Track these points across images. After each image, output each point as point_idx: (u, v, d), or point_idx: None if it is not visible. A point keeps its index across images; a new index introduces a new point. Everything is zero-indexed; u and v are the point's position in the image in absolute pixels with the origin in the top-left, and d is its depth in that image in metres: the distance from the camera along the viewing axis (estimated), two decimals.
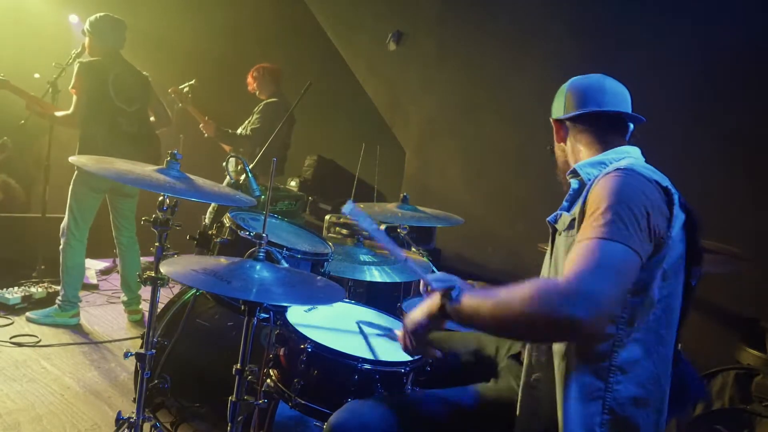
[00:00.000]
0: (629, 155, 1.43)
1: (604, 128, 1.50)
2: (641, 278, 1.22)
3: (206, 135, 4.19)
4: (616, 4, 3.33)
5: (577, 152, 1.54)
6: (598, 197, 1.24)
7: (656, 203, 1.22)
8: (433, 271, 2.39)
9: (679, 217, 1.27)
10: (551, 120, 1.62)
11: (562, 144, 1.60)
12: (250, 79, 4.44)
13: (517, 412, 1.39)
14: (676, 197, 1.27)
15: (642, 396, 1.27)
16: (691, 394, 1.38)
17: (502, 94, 4.03)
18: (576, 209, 1.35)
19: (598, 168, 1.41)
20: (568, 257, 1.18)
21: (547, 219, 1.47)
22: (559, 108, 1.58)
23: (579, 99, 1.53)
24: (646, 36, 3.11)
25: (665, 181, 1.28)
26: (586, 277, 1.09)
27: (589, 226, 1.19)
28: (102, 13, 3.50)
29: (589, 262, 1.11)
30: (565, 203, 1.47)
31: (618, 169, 1.28)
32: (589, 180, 1.39)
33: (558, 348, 1.32)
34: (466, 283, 1.41)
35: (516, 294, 1.13)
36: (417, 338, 1.37)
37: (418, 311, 1.37)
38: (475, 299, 1.23)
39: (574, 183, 1.47)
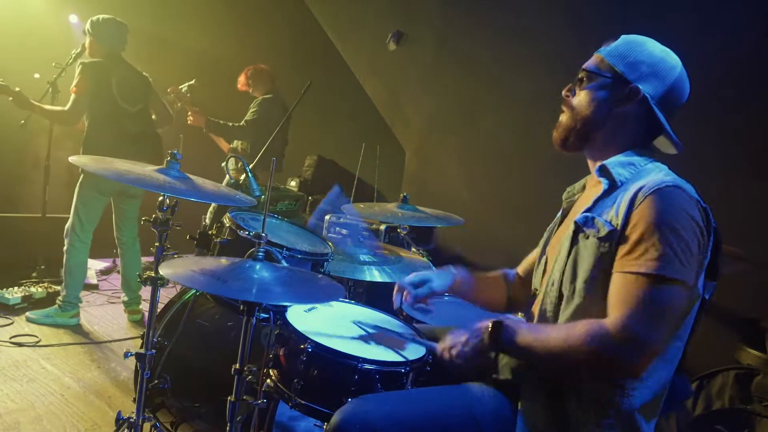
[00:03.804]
0: (655, 161, 1.37)
1: (655, 132, 1.40)
2: None
3: (190, 122, 4.12)
4: (618, 2, 3.32)
5: (615, 129, 1.37)
6: (646, 220, 1.19)
7: (701, 225, 1.20)
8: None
9: (711, 236, 1.25)
10: (614, 67, 1.37)
11: (602, 97, 1.37)
12: (242, 78, 4.45)
13: (520, 406, 1.39)
14: (711, 217, 1.25)
15: (651, 402, 1.28)
16: (679, 395, 1.38)
17: (502, 93, 4.03)
18: (611, 216, 1.29)
19: (629, 170, 1.35)
20: (615, 290, 1.19)
21: (575, 219, 1.37)
22: (638, 66, 1.34)
23: (672, 88, 1.35)
24: (648, 32, 3.11)
25: (702, 200, 1.25)
26: (638, 326, 1.12)
27: (638, 256, 1.17)
28: (105, 16, 3.49)
29: (639, 306, 1.13)
30: (592, 204, 1.37)
31: (666, 185, 1.21)
32: (621, 183, 1.33)
33: None
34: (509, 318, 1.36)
35: (571, 342, 1.18)
36: (462, 363, 1.39)
37: (467, 346, 1.36)
38: (527, 339, 1.26)
39: (604, 183, 1.38)
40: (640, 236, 1.19)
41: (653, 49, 1.38)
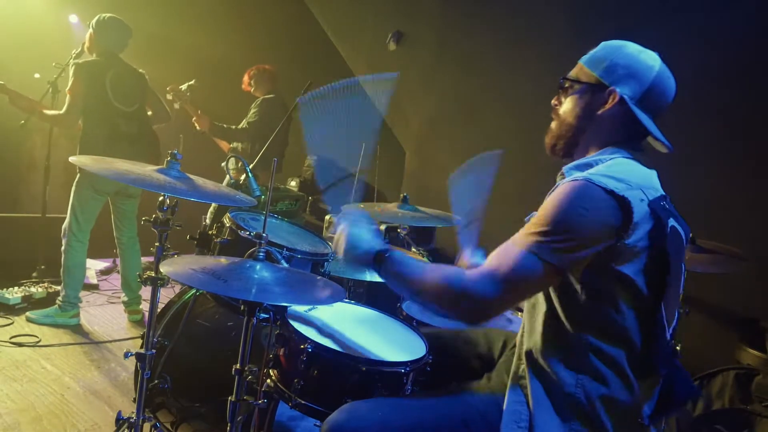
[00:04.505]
0: (619, 155, 1.38)
1: (641, 132, 1.40)
2: (596, 284, 1.28)
3: (198, 129, 4.19)
4: (618, 2, 3.32)
5: (596, 131, 1.41)
6: (545, 204, 1.29)
7: (599, 217, 1.23)
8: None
9: (642, 225, 1.24)
10: (593, 73, 1.41)
11: (584, 103, 1.42)
12: (246, 78, 4.46)
13: (505, 401, 1.40)
14: (641, 206, 1.23)
15: (610, 395, 1.29)
16: (679, 398, 1.37)
17: (502, 93, 4.03)
18: None
19: (583, 170, 1.36)
20: (497, 249, 1.29)
21: (525, 219, 1.45)
22: (614, 69, 1.38)
23: (652, 86, 1.37)
24: (648, 32, 3.11)
25: (629, 191, 1.24)
26: (491, 285, 1.23)
27: (524, 229, 1.28)
28: (111, 15, 3.49)
29: (499, 270, 1.24)
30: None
31: (575, 179, 1.27)
32: None
33: (536, 344, 1.38)
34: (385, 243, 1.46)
35: (429, 279, 1.31)
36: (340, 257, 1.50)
37: (353, 254, 1.45)
38: (400, 271, 1.38)
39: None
40: (533, 219, 1.30)
41: (630, 50, 1.40)
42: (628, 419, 1.30)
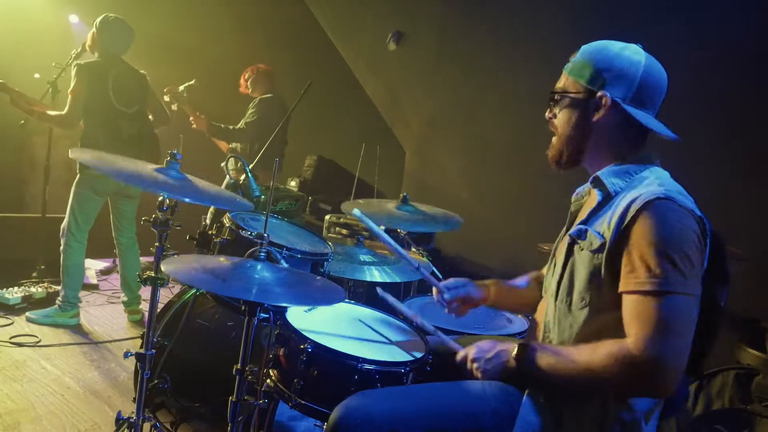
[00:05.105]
0: (653, 166, 1.36)
1: (645, 130, 1.37)
2: None
3: (194, 127, 4.20)
4: (618, 1, 3.33)
5: (600, 139, 1.38)
6: (645, 238, 1.20)
7: (697, 237, 1.20)
8: (435, 274, 2.40)
9: (709, 244, 1.25)
10: (579, 82, 1.38)
11: (578, 114, 1.38)
12: (242, 81, 4.47)
13: (521, 407, 1.38)
14: (707, 225, 1.24)
15: (652, 408, 1.29)
16: (679, 402, 1.38)
17: (502, 93, 4.03)
18: (603, 227, 1.30)
19: (623, 178, 1.34)
20: (629, 310, 1.19)
21: (570, 233, 1.40)
22: (600, 74, 1.34)
23: (644, 81, 1.34)
24: (646, 32, 3.11)
25: (697, 209, 1.24)
26: (658, 346, 1.12)
27: (644, 274, 1.18)
28: (116, 16, 3.48)
29: (655, 326, 1.14)
30: (587, 217, 1.39)
31: (657, 198, 1.21)
32: (615, 192, 1.33)
33: None
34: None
35: (596, 365, 1.19)
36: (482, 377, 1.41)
37: (490, 365, 1.38)
38: (550, 362, 1.27)
39: (597, 195, 1.39)
40: (641, 254, 1.19)
41: (612, 51, 1.36)
42: (656, 414, 1.32)
